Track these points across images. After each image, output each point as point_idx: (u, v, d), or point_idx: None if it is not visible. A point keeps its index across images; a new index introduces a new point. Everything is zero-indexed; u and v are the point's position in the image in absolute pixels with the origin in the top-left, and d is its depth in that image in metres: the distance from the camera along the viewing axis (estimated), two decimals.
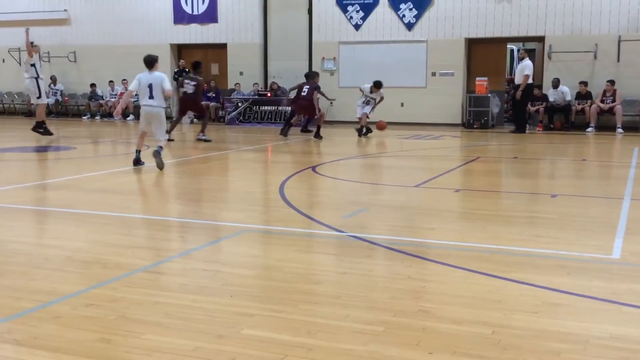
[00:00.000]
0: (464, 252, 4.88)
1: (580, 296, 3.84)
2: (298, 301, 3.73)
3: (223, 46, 20.05)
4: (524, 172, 9.89)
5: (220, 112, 19.45)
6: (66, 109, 21.95)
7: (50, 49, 21.89)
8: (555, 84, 16.58)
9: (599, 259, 4.69)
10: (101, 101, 21.04)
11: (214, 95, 19.58)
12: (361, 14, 18.57)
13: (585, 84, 16.36)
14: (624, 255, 4.75)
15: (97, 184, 8.18)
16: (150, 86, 9.14)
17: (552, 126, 16.69)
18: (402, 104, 18.26)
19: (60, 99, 21.70)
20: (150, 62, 9.32)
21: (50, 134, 13.74)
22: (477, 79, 17.44)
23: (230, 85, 19.96)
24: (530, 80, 15.85)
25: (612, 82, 16.04)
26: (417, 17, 18.07)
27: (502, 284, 4.03)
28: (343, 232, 5.47)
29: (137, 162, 9.29)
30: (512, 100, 16.67)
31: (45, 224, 6.07)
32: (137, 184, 8.47)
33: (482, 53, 17.84)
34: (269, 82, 19.48)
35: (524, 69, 15.83)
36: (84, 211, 6.33)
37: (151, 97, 9.13)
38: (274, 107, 18.36)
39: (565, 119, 16.69)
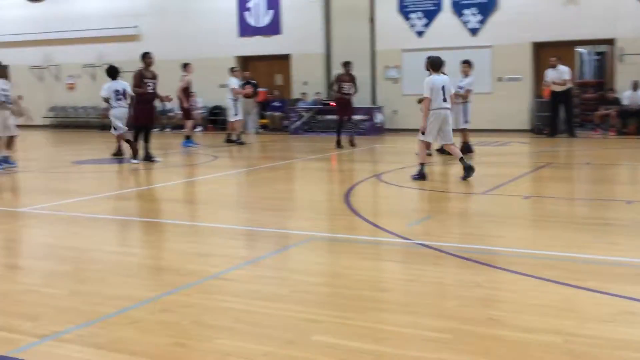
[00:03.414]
0: (534, 260, 4.79)
1: None
2: (366, 308, 3.76)
3: (286, 57, 20.30)
4: (597, 178, 9.61)
5: (285, 122, 19.70)
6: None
7: (121, 64, 22.63)
8: (635, 86, 16.02)
9: None
10: (170, 114, 21.61)
11: (278, 105, 19.87)
12: (424, 20, 18.46)
13: None
14: None
15: (168, 194, 8.42)
16: (443, 88, 8.83)
17: (625, 130, 16.13)
18: None
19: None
20: (440, 64, 8.98)
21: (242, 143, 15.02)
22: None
23: (294, 95, 20.19)
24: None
25: None
26: (482, 22, 17.83)
27: (575, 293, 3.94)
28: (409, 239, 5.46)
29: (422, 176, 8.85)
30: (552, 105, 16.34)
31: (120, 232, 6.29)
32: (206, 194, 8.68)
33: (550, 57, 17.43)
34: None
35: (564, 74, 15.86)
36: (157, 220, 6.54)
37: (445, 99, 8.82)
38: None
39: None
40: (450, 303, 3.82)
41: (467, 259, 4.80)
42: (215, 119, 21.18)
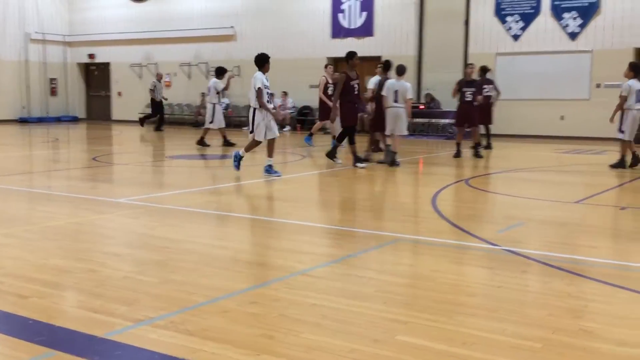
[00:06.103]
0: (631, 273, 4.60)
1: None
2: (452, 312, 3.72)
3: (377, 59, 20.28)
4: None
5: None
6: (229, 120, 23.23)
7: (217, 63, 23.30)
8: None
9: None
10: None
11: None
12: (521, 24, 18.01)
13: None
14: None
15: (258, 191, 8.62)
16: (396, 92, 10.98)
17: None
18: (562, 117, 17.48)
19: (225, 112, 23.01)
20: (403, 71, 11.28)
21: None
22: None
23: None
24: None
25: None
26: (582, 26, 17.21)
27: None
28: (497, 245, 5.36)
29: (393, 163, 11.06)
30: None
31: (212, 226, 6.49)
32: (294, 192, 8.81)
33: None
34: (423, 94, 19.42)
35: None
36: (246, 215, 6.71)
37: (396, 100, 10.98)
38: (427, 119, 18.28)
39: None
40: (539, 312, 3.73)
41: (557, 267, 4.67)
42: (304, 119, 21.45)
